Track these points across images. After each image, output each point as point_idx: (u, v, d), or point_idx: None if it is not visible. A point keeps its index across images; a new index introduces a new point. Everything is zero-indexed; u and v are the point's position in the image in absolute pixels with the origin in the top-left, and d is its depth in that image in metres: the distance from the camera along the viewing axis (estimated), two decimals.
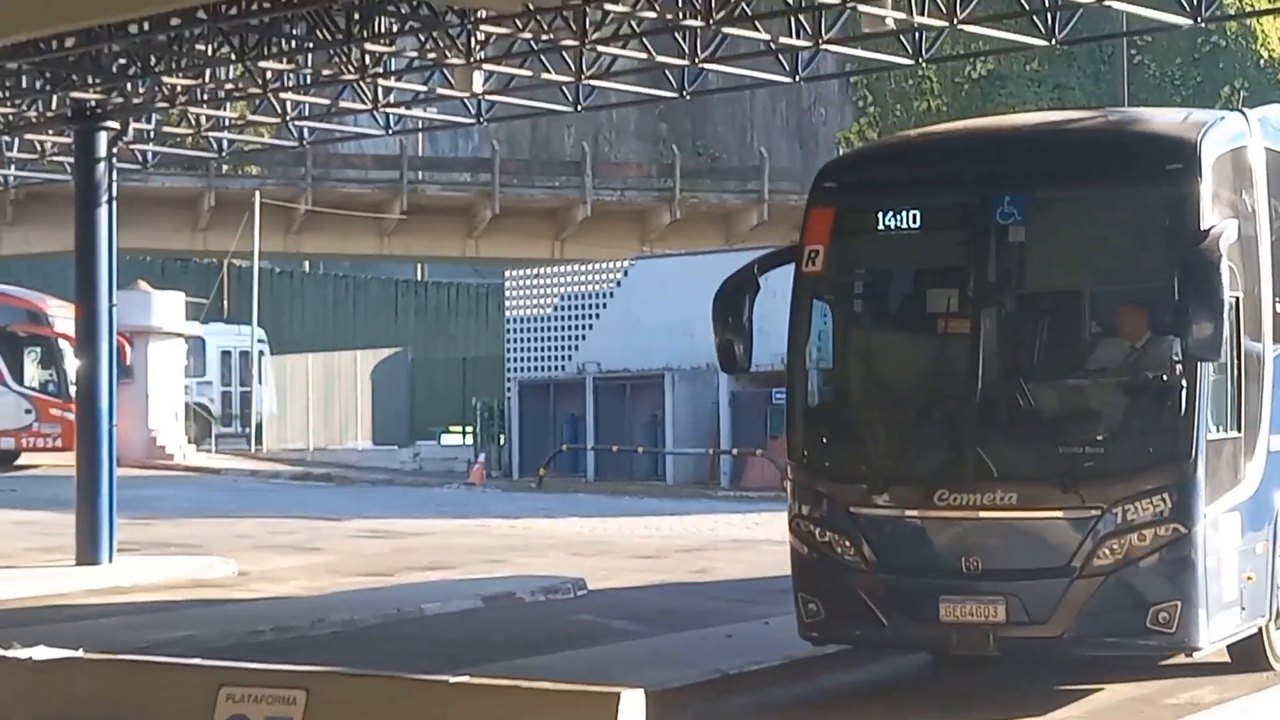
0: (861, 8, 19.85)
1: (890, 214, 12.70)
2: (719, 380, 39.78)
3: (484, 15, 20.23)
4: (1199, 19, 21.20)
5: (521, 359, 44.59)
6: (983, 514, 12.15)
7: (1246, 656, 13.45)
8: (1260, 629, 13.24)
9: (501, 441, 45.54)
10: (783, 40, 21.17)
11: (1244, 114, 13.57)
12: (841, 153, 63.79)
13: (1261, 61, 67.83)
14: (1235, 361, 12.54)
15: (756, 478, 38.53)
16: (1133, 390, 12.40)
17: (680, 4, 20.52)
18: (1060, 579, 11.94)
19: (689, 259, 44.69)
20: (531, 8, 18.99)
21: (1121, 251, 12.73)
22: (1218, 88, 67.38)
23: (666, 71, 22.66)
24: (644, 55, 22.07)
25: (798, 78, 22.74)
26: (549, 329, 44.27)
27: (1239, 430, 12.65)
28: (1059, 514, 12.04)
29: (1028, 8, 20.72)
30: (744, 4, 20.26)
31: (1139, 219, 12.56)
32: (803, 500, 12.89)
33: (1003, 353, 12.44)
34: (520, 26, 20.87)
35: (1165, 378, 12.07)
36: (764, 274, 13.28)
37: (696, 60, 21.59)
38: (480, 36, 21.32)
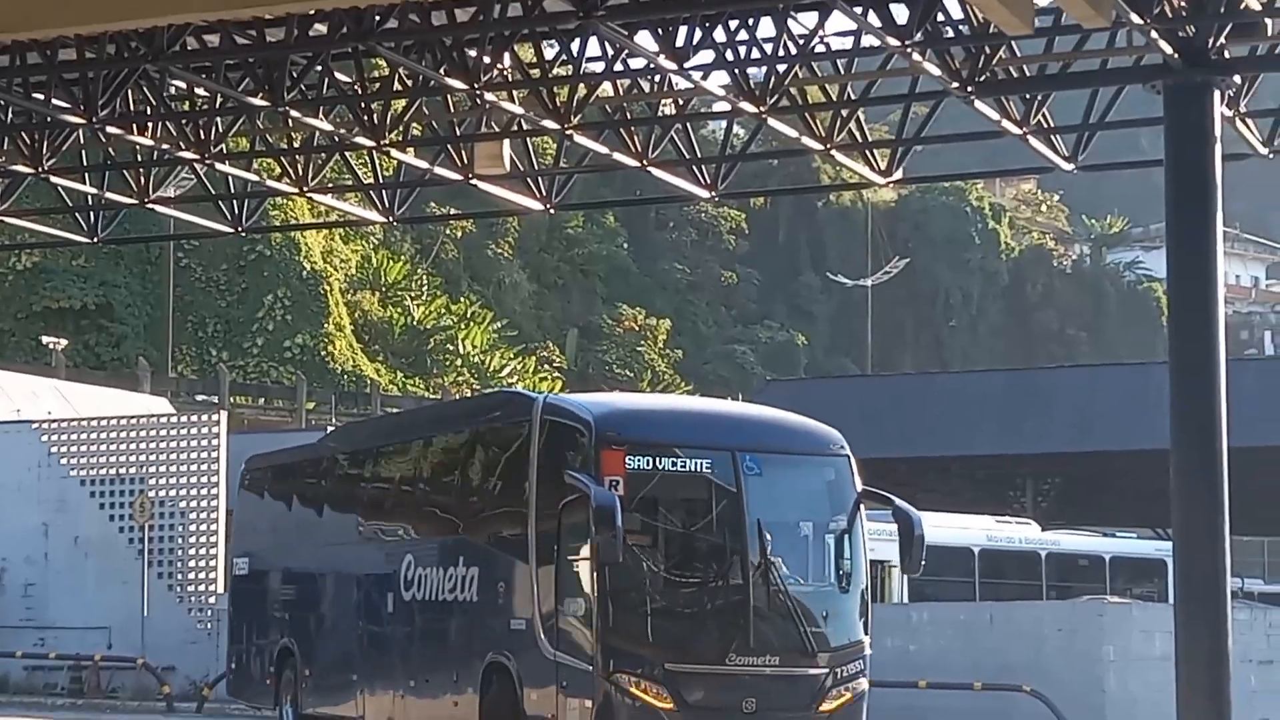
0: None
1: (673, 460, 18.57)
2: None
3: None
4: (239, 230, 21.96)
5: None
6: (758, 670, 18.30)
7: None
8: None
9: None
10: None
11: None
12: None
13: (304, 273, 70.18)
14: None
15: None
16: (839, 595, 19.04)
17: None
18: (805, 713, 18.43)
19: None
20: None
21: (810, 502, 19.52)
22: (261, 295, 69.07)
23: None
24: None
25: None
26: None
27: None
28: (806, 671, 18.53)
29: (71, 205, 20.92)
30: None
31: (830, 479, 19.36)
32: (620, 660, 18.08)
33: (768, 562, 18.41)
34: None
35: (847, 587, 19.09)
36: None
37: None
38: None
